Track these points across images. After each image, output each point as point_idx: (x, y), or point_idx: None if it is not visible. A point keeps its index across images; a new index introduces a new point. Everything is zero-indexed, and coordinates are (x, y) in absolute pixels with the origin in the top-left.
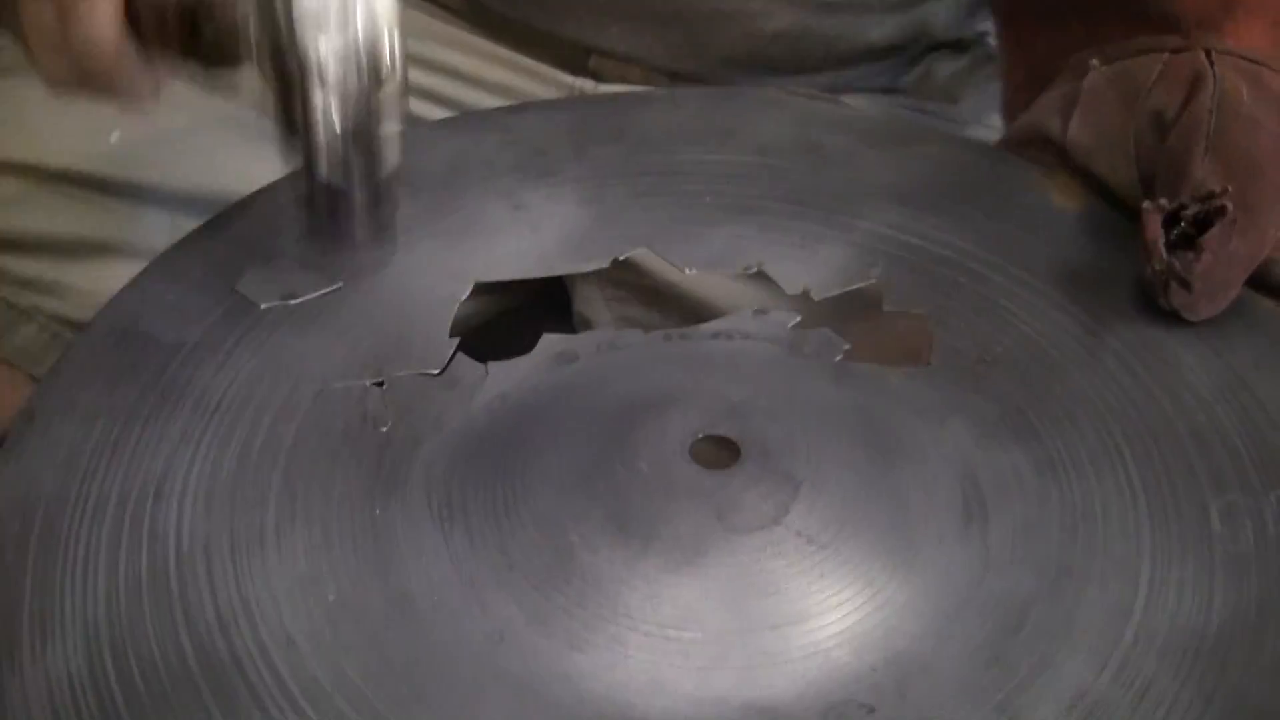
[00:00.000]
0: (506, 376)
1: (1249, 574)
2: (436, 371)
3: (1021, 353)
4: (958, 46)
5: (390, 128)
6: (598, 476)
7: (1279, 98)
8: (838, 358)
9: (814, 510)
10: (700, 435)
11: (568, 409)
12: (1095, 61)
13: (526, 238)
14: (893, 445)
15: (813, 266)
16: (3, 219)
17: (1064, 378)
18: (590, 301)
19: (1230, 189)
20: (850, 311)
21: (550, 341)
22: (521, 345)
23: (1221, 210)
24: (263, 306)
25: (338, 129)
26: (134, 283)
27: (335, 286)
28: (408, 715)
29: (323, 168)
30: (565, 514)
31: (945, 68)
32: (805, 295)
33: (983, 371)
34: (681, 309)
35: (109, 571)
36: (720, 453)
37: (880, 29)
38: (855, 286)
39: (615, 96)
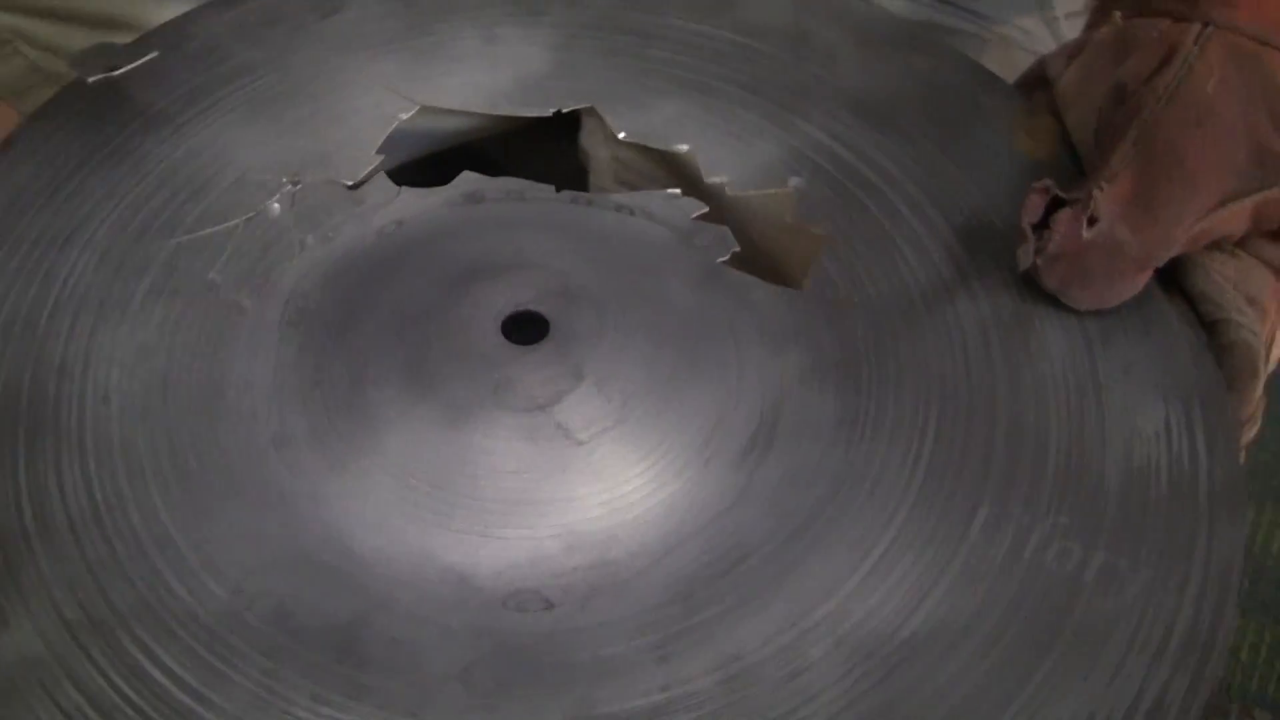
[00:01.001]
0: (413, 204)
1: (976, 592)
2: (349, 184)
3: (891, 300)
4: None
5: None
6: (418, 322)
7: (1273, 84)
8: (723, 258)
9: (584, 406)
10: (521, 308)
11: (435, 249)
12: (1118, 13)
13: (485, 72)
14: (710, 361)
15: (742, 160)
16: None
17: (917, 336)
18: (593, 134)
19: (1110, 185)
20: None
21: (467, 179)
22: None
23: (1086, 199)
24: (89, 81)
25: None
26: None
27: (151, 56)
28: (179, 477)
29: None
30: (375, 348)
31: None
32: (721, 187)
33: (844, 309)
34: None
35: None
36: (530, 329)
37: None
38: (770, 191)
39: None
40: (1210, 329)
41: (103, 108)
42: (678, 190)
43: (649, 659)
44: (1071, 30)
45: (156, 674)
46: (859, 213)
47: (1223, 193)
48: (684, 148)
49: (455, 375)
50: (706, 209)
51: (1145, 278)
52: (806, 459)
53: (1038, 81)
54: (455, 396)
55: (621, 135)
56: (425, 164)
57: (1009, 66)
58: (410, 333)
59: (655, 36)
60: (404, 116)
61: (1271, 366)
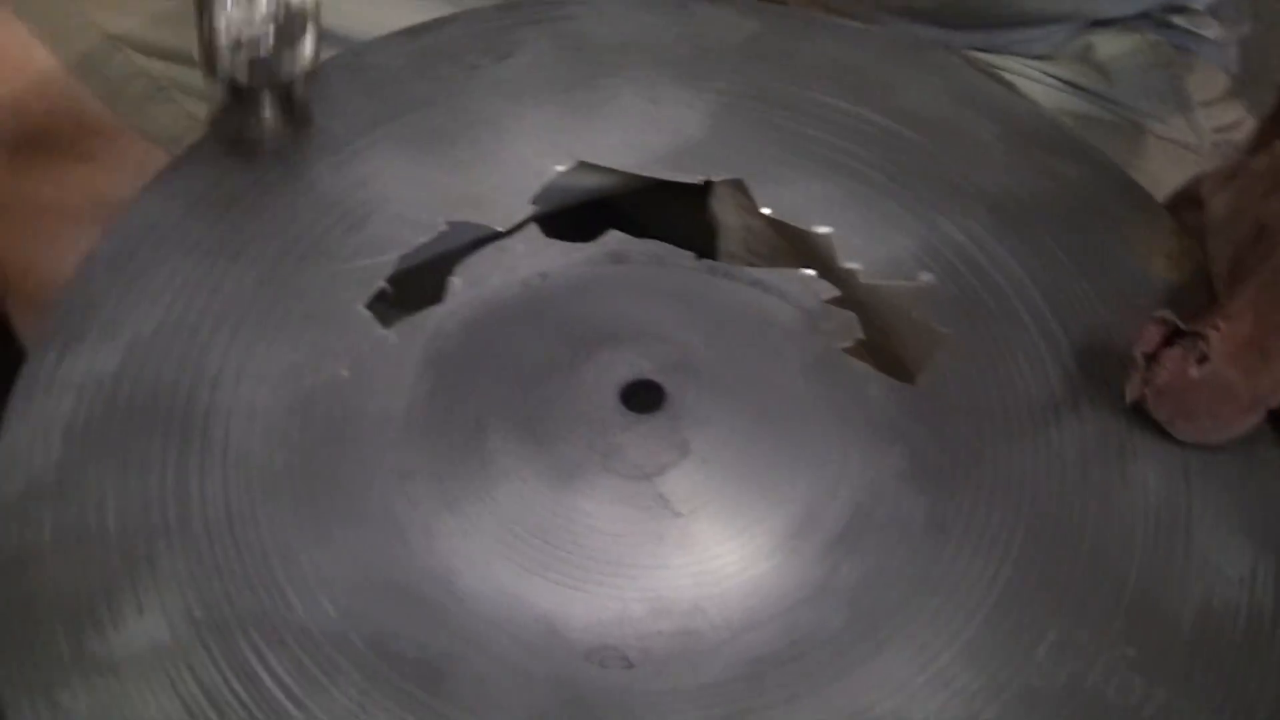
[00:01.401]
0: (558, 258)
1: (1033, 713)
2: (501, 230)
3: (998, 408)
4: (1125, 25)
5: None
6: (544, 379)
7: None
8: (846, 344)
9: (686, 480)
10: (642, 376)
11: (573, 306)
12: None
13: (642, 131)
14: (814, 450)
15: (876, 248)
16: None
17: (1016, 449)
18: (723, 200)
19: (1228, 323)
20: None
21: (614, 238)
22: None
23: (1200, 336)
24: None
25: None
26: None
27: None
28: (309, 497)
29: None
30: (502, 397)
31: (1108, 46)
32: (853, 273)
33: (943, 413)
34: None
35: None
36: (647, 397)
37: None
38: (900, 282)
39: (809, 17)
40: None
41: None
42: (813, 272)
43: None
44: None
45: (265, 678)
46: (982, 316)
47: None
48: (825, 230)
49: (570, 436)
50: (838, 293)
51: (1255, 419)
52: (890, 559)
53: (1190, 201)
54: (567, 456)
55: (766, 211)
56: (564, 214)
57: (1164, 163)
58: (535, 388)
59: (810, 114)
60: (560, 169)
61: None
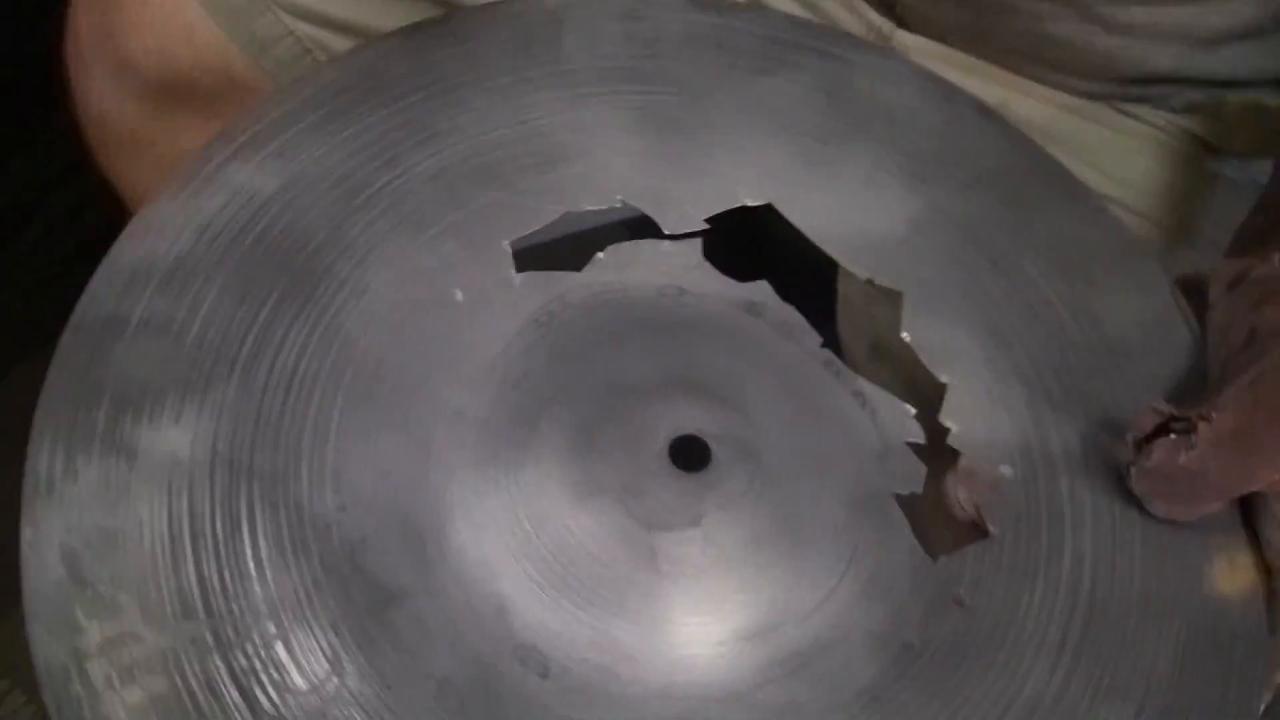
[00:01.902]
0: (703, 283)
1: None
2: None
3: (988, 627)
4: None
5: None
6: (623, 394)
7: None
8: (909, 491)
9: (681, 547)
10: (703, 434)
11: (687, 337)
12: (1278, 256)
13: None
14: (811, 573)
15: (982, 426)
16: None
17: (978, 671)
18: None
19: (1214, 418)
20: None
21: (761, 289)
22: None
23: (1189, 425)
24: None
25: None
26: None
27: None
28: (369, 392)
29: None
30: (578, 391)
31: (1235, 103)
32: (942, 434)
33: (949, 609)
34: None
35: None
36: (695, 456)
37: (1165, 58)
38: (981, 462)
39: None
40: (1270, 571)
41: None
42: (914, 411)
43: None
44: None
45: (244, 529)
46: (1034, 532)
47: None
48: (946, 379)
49: (609, 459)
50: (923, 441)
51: (1223, 503)
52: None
53: (1198, 291)
54: (597, 476)
55: (905, 336)
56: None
57: None
58: (609, 398)
59: (1018, 285)
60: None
61: None
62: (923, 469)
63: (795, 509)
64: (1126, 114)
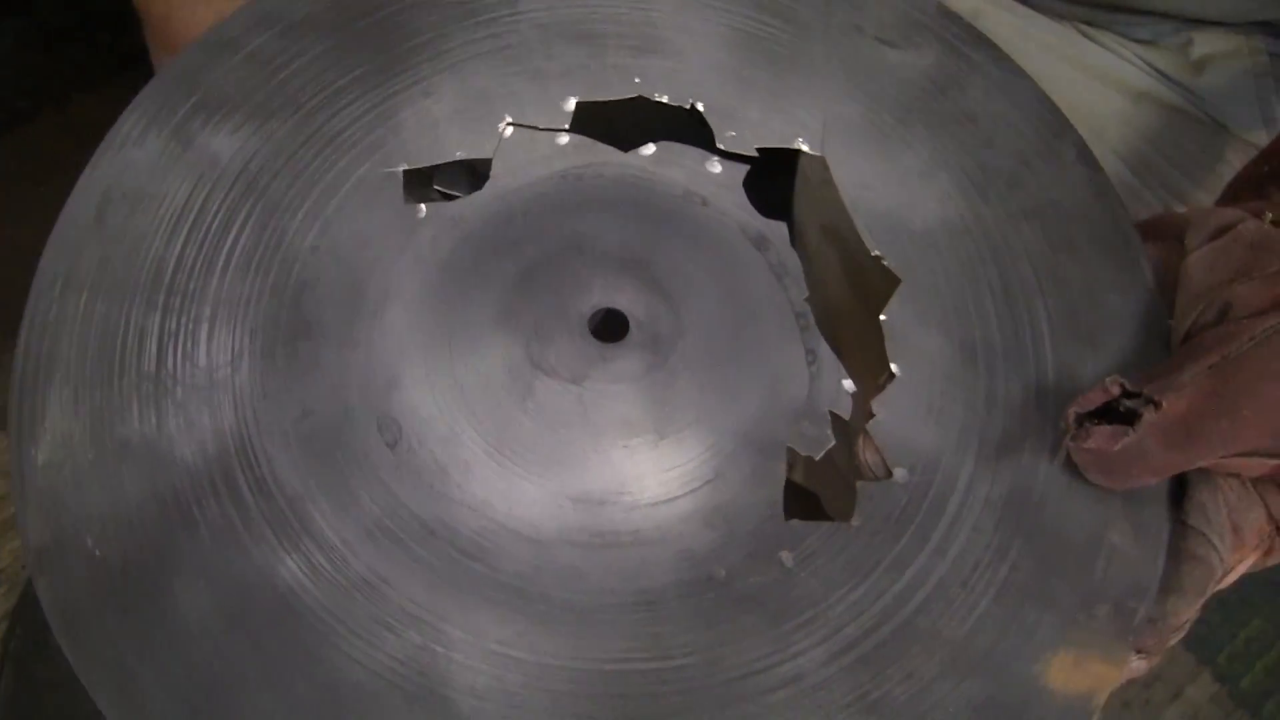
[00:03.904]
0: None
1: None
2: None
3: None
4: (1232, 29)
5: None
6: (542, 272)
7: None
8: (808, 455)
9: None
10: (623, 310)
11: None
12: (1270, 215)
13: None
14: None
15: (908, 425)
16: None
17: None
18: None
19: (1165, 404)
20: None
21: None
22: None
23: (1137, 408)
24: None
25: None
26: None
27: None
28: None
29: None
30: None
31: (1207, 44)
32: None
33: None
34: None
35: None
36: (615, 326)
37: None
38: (883, 480)
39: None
40: (1184, 531)
41: None
42: (852, 386)
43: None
44: None
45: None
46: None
47: (1259, 445)
48: (899, 372)
49: (539, 303)
50: (845, 416)
51: (1162, 479)
52: (611, 577)
53: (1171, 236)
54: (518, 310)
55: (883, 317)
56: None
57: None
58: (535, 279)
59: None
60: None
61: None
62: (830, 440)
63: (679, 413)
64: (1092, 40)
